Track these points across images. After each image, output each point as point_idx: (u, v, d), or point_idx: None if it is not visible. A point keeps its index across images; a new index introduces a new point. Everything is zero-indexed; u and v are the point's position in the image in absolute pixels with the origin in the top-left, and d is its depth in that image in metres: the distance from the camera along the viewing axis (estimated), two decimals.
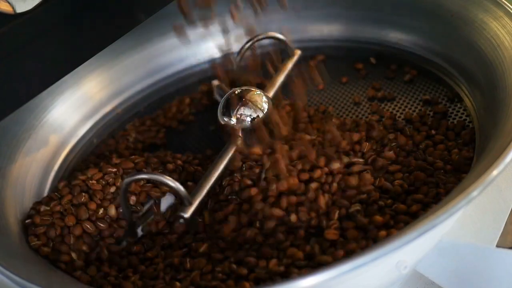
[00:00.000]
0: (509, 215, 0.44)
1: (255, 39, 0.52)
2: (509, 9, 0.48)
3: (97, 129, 0.58)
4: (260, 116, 0.46)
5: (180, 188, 0.40)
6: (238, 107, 0.46)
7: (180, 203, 0.43)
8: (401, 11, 0.56)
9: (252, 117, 0.46)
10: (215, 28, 0.61)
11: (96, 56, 0.47)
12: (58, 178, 0.53)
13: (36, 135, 0.53)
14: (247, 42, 0.52)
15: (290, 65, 0.54)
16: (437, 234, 0.39)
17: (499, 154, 0.36)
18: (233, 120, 0.46)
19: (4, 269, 0.38)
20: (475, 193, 0.34)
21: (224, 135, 0.48)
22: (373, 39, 0.57)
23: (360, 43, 0.58)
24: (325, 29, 0.60)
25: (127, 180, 0.41)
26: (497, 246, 0.42)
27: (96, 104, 0.59)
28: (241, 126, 0.46)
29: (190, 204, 0.41)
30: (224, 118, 0.46)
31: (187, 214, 0.41)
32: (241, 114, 0.46)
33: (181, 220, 0.41)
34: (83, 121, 0.57)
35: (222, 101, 0.47)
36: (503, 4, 0.48)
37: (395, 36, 0.57)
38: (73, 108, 0.57)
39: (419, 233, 0.33)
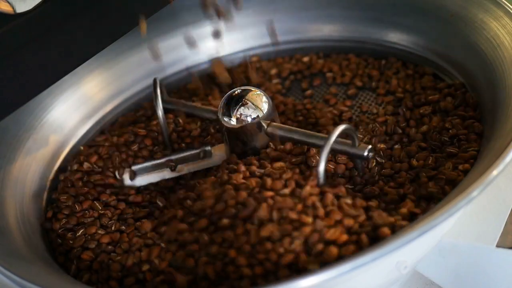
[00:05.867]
0: (509, 215, 0.44)
1: None
2: (509, 9, 0.48)
3: (97, 129, 0.58)
4: (260, 116, 0.46)
5: None
6: (238, 107, 0.46)
7: None
8: (401, 11, 0.56)
9: (252, 117, 0.46)
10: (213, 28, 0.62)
11: (96, 56, 0.47)
12: (58, 178, 0.53)
13: (36, 135, 0.53)
14: None
15: None
16: (437, 234, 0.39)
17: (499, 154, 0.36)
18: (233, 120, 0.46)
19: (4, 269, 0.38)
20: (475, 193, 0.34)
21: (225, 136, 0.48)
22: (373, 39, 0.57)
23: (360, 43, 0.58)
24: (325, 29, 0.60)
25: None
26: (497, 246, 0.42)
27: (96, 104, 0.59)
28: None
29: None
30: (224, 118, 0.46)
31: None
32: (241, 114, 0.46)
33: None
34: (83, 121, 0.57)
35: (222, 101, 0.47)
36: (503, 4, 0.48)
37: (395, 36, 0.57)
38: (73, 108, 0.57)
39: (419, 233, 0.33)
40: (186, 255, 0.40)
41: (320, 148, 0.41)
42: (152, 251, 0.42)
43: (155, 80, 0.51)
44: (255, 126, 0.46)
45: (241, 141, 0.47)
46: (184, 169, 0.49)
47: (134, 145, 0.52)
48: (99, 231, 0.45)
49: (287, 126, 0.46)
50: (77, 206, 0.47)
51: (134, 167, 0.50)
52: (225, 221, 0.39)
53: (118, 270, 0.42)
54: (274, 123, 0.46)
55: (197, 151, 0.50)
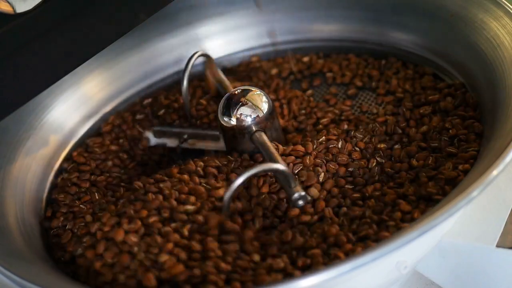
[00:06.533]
0: (509, 215, 0.43)
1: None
2: (509, 9, 0.48)
3: (97, 129, 0.58)
4: (260, 116, 0.46)
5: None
6: (238, 107, 0.46)
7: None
8: (401, 11, 0.56)
9: (252, 117, 0.46)
10: (213, 29, 0.62)
11: (96, 56, 0.47)
12: (58, 178, 0.53)
13: (36, 135, 0.53)
14: None
15: None
16: (437, 234, 0.39)
17: (499, 154, 0.36)
18: (233, 120, 0.46)
19: (4, 269, 0.38)
20: (475, 193, 0.34)
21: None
22: (373, 39, 0.57)
23: (360, 43, 0.58)
24: (325, 29, 0.60)
25: None
26: (497, 246, 0.42)
27: (96, 104, 0.58)
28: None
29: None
30: (224, 118, 0.46)
31: None
32: (241, 114, 0.46)
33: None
34: (83, 121, 0.57)
35: (222, 101, 0.47)
36: (503, 4, 0.48)
37: (395, 36, 0.57)
38: (73, 108, 0.57)
39: (419, 233, 0.33)
40: (119, 252, 0.40)
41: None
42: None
43: (194, 54, 0.53)
44: (242, 130, 0.46)
45: (231, 140, 0.47)
46: (195, 144, 0.51)
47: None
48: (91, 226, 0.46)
49: (265, 142, 0.45)
50: (76, 202, 0.48)
51: (155, 128, 0.54)
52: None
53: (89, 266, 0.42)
54: (261, 133, 0.46)
55: (208, 132, 0.51)
